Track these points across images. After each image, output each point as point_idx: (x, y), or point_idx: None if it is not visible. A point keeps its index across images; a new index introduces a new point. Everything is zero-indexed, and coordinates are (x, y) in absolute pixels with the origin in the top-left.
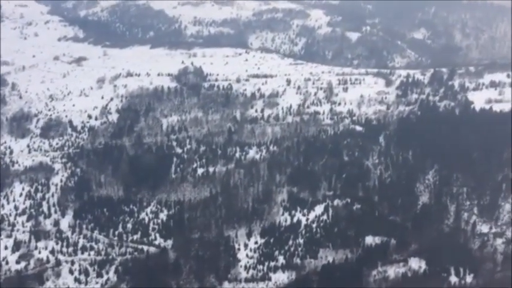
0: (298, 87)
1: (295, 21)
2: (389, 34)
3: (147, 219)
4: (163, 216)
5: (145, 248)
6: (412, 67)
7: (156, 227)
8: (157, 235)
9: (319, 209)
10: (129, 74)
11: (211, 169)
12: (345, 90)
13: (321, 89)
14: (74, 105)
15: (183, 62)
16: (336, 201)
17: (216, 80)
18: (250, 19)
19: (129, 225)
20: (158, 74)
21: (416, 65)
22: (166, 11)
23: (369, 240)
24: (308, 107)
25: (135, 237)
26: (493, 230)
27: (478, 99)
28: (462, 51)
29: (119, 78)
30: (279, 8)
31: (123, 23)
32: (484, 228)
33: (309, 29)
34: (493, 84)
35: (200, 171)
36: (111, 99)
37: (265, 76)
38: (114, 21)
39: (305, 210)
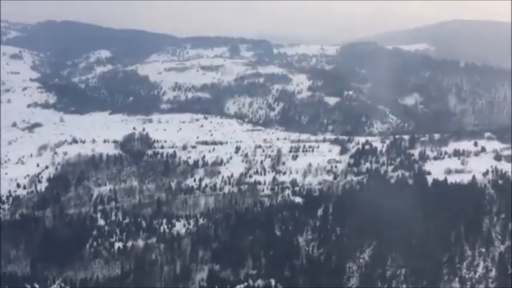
0: (246, 155)
1: (275, 86)
2: (374, 99)
3: None
4: None
5: None
6: (389, 133)
7: None
8: None
9: None
10: (74, 141)
11: (130, 243)
12: (294, 158)
13: (269, 156)
14: (6, 174)
15: (134, 128)
16: (259, 282)
17: (162, 147)
18: (230, 84)
19: None
20: (104, 141)
21: (396, 131)
22: (150, 77)
23: None
24: (250, 176)
25: None
26: None
27: (437, 169)
28: (456, 117)
29: (62, 145)
30: (262, 73)
31: (108, 88)
32: None
33: (289, 93)
34: (457, 153)
35: (117, 245)
36: (46, 167)
37: (215, 143)
38: (100, 87)
39: None
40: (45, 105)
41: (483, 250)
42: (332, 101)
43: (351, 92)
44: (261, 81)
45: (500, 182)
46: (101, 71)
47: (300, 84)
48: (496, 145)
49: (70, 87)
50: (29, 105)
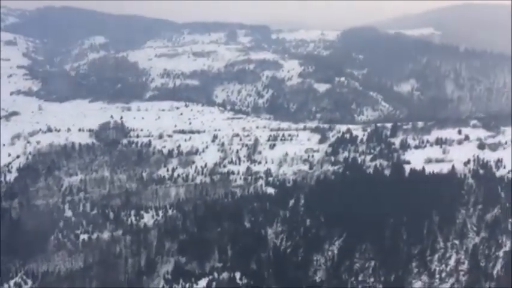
0: (222, 144)
1: (266, 72)
2: (368, 85)
3: None
4: None
5: None
6: (380, 121)
7: None
8: None
9: (203, 283)
10: (49, 130)
11: (95, 235)
12: (272, 147)
13: (246, 146)
14: None
15: (111, 117)
16: (224, 275)
17: (138, 136)
18: (220, 70)
19: None
20: (79, 130)
21: (387, 118)
22: (139, 63)
23: None
24: (225, 166)
25: None
26: None
27: (417, 159)
28: (453, 104)
29: (36, 134)
30: (252, 59)
31: (98, 75)
32: None
33: (279, 80)
34: (439, 142)
35: (83, 237)
36: (18, 156)
37: (192, 132)
38: (90, 74)
39: (187, 285)
40: (28, 93)
41: (456, 242)
42: (322, 87)
43: (342, 79)
44: (251, 68)
45: (481, 171)
46: (93, 57)
47: (291, 70)
48: (481, 133)
49: (57, 74)
50: (11, 93)
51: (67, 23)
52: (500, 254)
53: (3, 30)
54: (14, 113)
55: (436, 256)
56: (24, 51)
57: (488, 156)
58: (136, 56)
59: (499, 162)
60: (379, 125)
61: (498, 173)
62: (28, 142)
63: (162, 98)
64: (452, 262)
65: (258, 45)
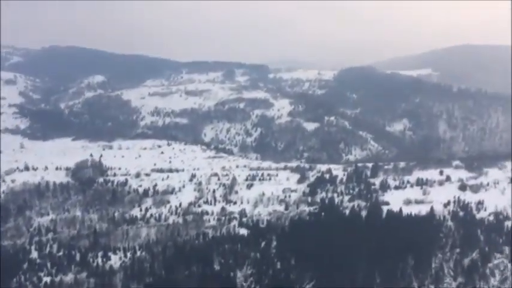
0: (200, 184)
1: (256, 111)
2: (359, 125)
3: None
4: None
5: None
6: (368, 160)
7: None
8: None
9: None
10: (26, 168)
11: (59, 278)
12: (249, 187)
13: (224, 185)
14: None
15: (91, 155)
16: None
17: (115, 174)
18: (210, 109)
19: None
20: (56, 168)
21: (376, 158)
22: (132, 102)
23: None
24: (199, 206)
25: None
26: None
27: (396, 200)
28: (445, 144)
29: (13, 172)
30: (244, 98)
31: (91, 114)
32: None
33: (268, 119)
34: (420, 183)
35: (45, 280)
36: None
37: (171, 171)
38: (83, 112)
39: None
40: (15, 131)
41: (432, 287)
42: (311, 126)
43: (332, 118)
44: (241, 106)
45: (461, 213)
46: (88, 96)
47: (281, 109)
48: (463, 174)
49: (48, 113)
50: None
51: (70, 62)
52: None
53: (6, 69)
54: None
55: None
56: (22, 90)
57: (469, 197)
58: (130, 94)
59: (479, 204)
60: (360, 165)
61: (478, 215)
62: (3, 181)
63: (145, 136)
64: None
65: (253, 84)
